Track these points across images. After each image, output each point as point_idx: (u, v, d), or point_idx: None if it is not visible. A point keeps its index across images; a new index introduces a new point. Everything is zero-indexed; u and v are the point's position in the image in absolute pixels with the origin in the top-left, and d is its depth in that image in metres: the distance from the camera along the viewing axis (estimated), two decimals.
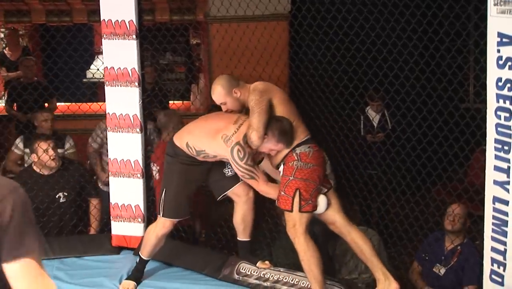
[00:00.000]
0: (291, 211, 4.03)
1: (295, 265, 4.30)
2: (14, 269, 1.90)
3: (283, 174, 4.09)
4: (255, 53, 5.58)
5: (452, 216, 4.81)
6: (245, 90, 4.16)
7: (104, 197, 5.34)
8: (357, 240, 4.16)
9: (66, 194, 5.27)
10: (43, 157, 5.17)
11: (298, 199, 4.01)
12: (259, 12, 5.48)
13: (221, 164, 4.35)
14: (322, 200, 4.11)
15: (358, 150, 5.58)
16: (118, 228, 4.96)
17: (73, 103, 6.67)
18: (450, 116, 4.83)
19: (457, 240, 4.86)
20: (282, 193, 4.05)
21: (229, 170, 4.37)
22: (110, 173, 4.95)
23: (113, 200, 4.96)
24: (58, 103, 7.21)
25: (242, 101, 4.15)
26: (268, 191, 4.19)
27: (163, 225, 4.42)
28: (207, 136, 4.19)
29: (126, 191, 4.91)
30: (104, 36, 4.82)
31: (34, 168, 5.29)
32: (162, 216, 4.39)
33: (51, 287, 1.96)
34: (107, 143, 5.06)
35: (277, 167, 4.18)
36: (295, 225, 4.04)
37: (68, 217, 5.28)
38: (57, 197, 5.25)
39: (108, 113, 4.88)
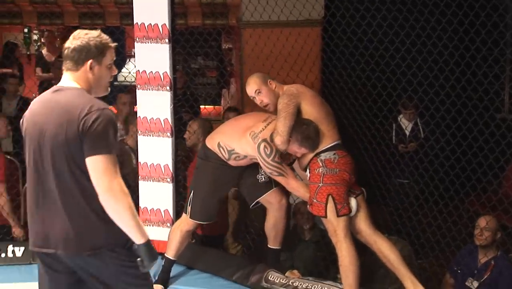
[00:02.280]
0: (325, 216, 4.03)
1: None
2: (90, 162, 2.78)
3: (310, 181, 4.09)
4: (289, 59, 5.58)
5: (479, 229, 4.75)
6: (280, 88, 4.19)
7: None
8: (383, 249, 4.13)
9: None
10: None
11: (333, 204, 4.01)
12: (293, 18, 5.49)
13: (255, 169, 4.36)
14: (353, 203, 4.11)
15: (390, 158, 5.54)
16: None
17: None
18: (485, 126, 4.78)
19: (490, 253, 4.80)
20: (314, 200, 4.05)
21: (262, 176, 4.38)
22: (140, 177, 4.98)
23: (142, 204, 4.99)
24: None
25: (277, 94, 4.16)
26: (298, 187, 4.18)
27: (187, 222, 4.45)
28: (237, 134, 4.22)
29: (155, 195, 4.94)
30: (137, 39, 4.86)
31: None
32: (190, 218, 4.43)
33: (116, 182, 2.77)
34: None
35: (305, 170, 4.19)
36: (336, 230, 4.04)
37: None
38: None
39: (139, 116, 4.92)
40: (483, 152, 4.73)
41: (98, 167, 2.78)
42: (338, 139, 4.13)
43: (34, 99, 3.08)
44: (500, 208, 4.64)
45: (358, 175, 4.37)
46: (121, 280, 2.96)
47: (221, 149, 4.25)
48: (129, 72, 5.81)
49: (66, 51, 2.97)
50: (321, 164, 4.03)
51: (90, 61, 2.95)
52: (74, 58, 2.95)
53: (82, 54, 2.94)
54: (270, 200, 4.43)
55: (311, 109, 4.10)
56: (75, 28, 8.33)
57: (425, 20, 4.80)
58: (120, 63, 6.57)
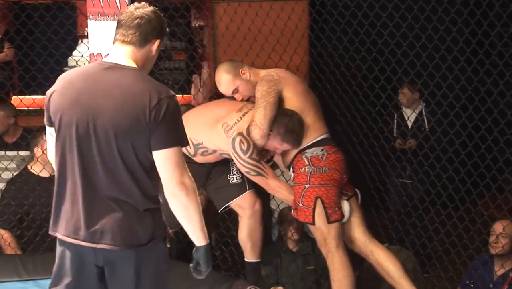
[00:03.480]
0: (313, 223, 4.03)
1: None
2: (161, 155, 2.90)
3: (295, 182, 4.09)
4: (270, 38, 5.58)
5: (495, 236, 4.78)
6: (255, 74, 4.18)
7: None
8: (381, 260, 4.15)
9: None
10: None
11: (322, 209, 4.01)
12: None
13: (225, 168, 4.35)
14: (345, 206, 4.12)
15: (390, 154, 5.56)
16: None
17: None
18: (501, 116, 4.80)
19: (508, 263, 4.83)
20: (300, 204, 4.05)
21: (234, 176, 4.37)
22: None
23: None
24: (35, 96, 7.22)
25: (254, 83, 4.15)
26: (280, 188, 4.18)
27: None
28: (205, 125, 4.20)
29: None
30: (90, 16, 4.83)
31: (32, 170, 5.36)
32: None
33: (188, 176, 2.93)
34: None
35: (288, 168, 4.19)
36: (326, 239, 4.05)
37: None
38: None
39: None
40: (498, 146, 4.75)
41: (169, 161, 2.91)
42: (326, 133, 4.14)
43: (70, 73, 3.10)
44: None
45: (352, 174, 4.39)
46: (150, 278, 3.06)
47: None
48: (82, 56, 5.77)
49: (131, 21, 3.01)
50: (307, 162, 4.04)
51: (158, 41, 3.06)
52: (144, 32, 3.00)
53: (155, 31, 3.03)
54: (242, 205, 4.42)
55: (294, 98, 4.11)
56: (15, 3, 8.26)
57: None
58: (70, 44, 6.58)
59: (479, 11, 4.70)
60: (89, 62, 4.89)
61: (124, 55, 3.00)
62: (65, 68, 8.06)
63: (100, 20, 4.81)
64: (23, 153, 5.73)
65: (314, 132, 4.10)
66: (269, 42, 5.56)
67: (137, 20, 3.00)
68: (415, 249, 5.30)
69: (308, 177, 4.02)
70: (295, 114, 4.06)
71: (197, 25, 9.10)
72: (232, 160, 4.19)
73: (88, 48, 4.93)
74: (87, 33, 4.99)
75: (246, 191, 4.39)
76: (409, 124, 6.46)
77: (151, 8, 3.05)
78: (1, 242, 5.31)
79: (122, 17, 3.03)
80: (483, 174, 4.85)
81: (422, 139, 6.16)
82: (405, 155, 5.56)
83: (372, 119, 5.46)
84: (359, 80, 5.42)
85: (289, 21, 5.67)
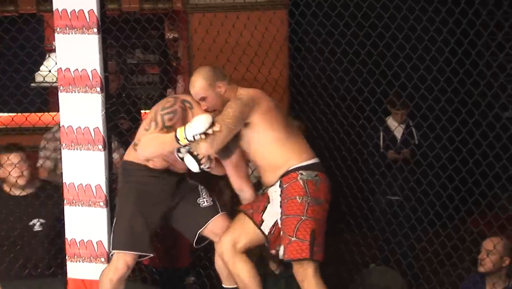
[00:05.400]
0: (311, 258, 4.00)
1: None
2: None
3: (288, 214, 4.02)
4: (248, 50, 5.54)
5: (484, 254, 4.77)
6: (231, 91, 4.19)
7: None
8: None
9: (42, 221, 5.32)
10: (14, 172, 5.26)
11: (313, 245, 3.98)
12: None
13: (194, 194, 4.35)
14: None
15: (375, 170, 5.53)
16: (75, 270, 4.88)
17: (19, 114, 6.62)
18: (489, 128, 4.78)
19: (500, 283, 4.81)
20: (294, 238, 3.99)
21: (204, 198, 4.36)
22: (65, 201, 4.89)
23: (69, 235, 4.88)
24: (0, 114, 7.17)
25: (225, 100, 4.16)
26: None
27: (115, 266, 4.40)
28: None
29: (85, 223, 4.84)
30: (58, 29, 4.79)
31: (4, 187, 5.36)
32: (112, 249, 4.41)
33: None
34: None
35: (272, 184, 4.14)
36: (304, 280, 4.02)
37: (44, 249, 5.31)
38: (31, 224, 5.30)
39: (63, 126, 4.83)
40: (487, 160, 4.73)
41: None
42: (315, 157, 4.12)
43: None
44: (510, 228, 4.64)
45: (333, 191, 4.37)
46: None
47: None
48: (49, 71, 5.71)
49: None
50: (303, 187, 3.99)
51: None
52: None
53: None
54: (215, 231, 4.39)
55: (264, 124, 4.10)
56: None
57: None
58: (37, 59, 6.51)
59: (465, 19, 4.69)
60: (57, 78, 4.84)
61: None
62: (32, 85, 8.02)
63: (69, 34, 4.77)
64: None
65: (306, 153, 4.09)
66: (247, 55, 5.52)
67: None
68: (401, 269, 5.27)
69: (306, 208, 3.97)
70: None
71: (171, 37, 9.06)
72: (202, 184, 4.21)
73: (56, 63, 4.86)
74: (55, 47, 4.94)
75: (219, 213, 4.38)
76: (396, 137, 6.47)
77: None
78: None
79: None
80: (472, 190, 4.83)
81: (409, 154, 6.17)
82: (390, 170, 5.53)
83: (355, 133, 5.42)
84: (342, 92, 5.39)
85: (267, 32, 5.64)
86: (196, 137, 3.98)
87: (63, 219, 5.10)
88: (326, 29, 5.19)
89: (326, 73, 5.46)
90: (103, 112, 4.78)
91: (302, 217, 3.97)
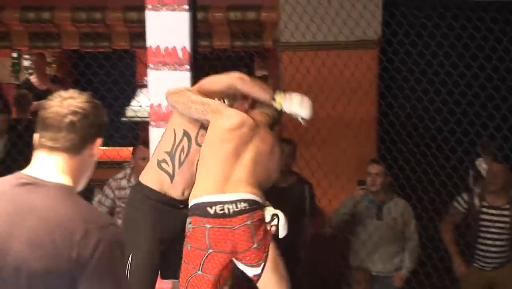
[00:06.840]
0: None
1: None
2: None
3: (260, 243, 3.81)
4: (336, 88, 5.54)
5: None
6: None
7: None
8: None
9: None
10: None
11: None
12: (343, 37, 5.44)
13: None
14: None
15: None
16: None
17: (110, 148, 6.72)
18: None
19: None
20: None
21: None
22: None
23: None
24: None
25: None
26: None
27: None
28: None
29: None
30: (151, 65, 4.83)
31: None
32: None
33: None
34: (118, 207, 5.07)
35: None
36: None
37: None
38: None
39: None
40: None
41: None
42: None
43: None
44: None
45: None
46: None
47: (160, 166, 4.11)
48: (140, 106, 5.79)
49: (60, 118, 2.23)
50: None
51: (99, 140, 2.30)
52: (80, 132, 2.25)
53: (95, 127, 2.28)
54: None
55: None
56: (75, 52, 8.37)
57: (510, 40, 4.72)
58: (129, 94, 6.62)
59: None
60: (149, 114, 4.89)
61: (51, 166, 2.23)
62: (123, 119, 8.18)
63: (161, 70, 4.81)
64: None
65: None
66: (335, 92, 5.53)
67: (69, 117, 2.22)
68: None
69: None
70: None
71: (261, 74, 9.11)
72: None
73: (148, 99, 4.92)
74: (146, 82, 5.00)
75: None
76: None
77: (84, 97, 2.29)
78: None
79: (47, 113, 2.24)
80: None
81: None
82: None
83: (446, 174, 5.34)
84: (432, 132, 5.33)
85: (356, 71, 5.64)
86: (288, 111, 4.00)
87: None
88: (419, 67, 5.16)
89: (417, 112, 5.40)
90: None
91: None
